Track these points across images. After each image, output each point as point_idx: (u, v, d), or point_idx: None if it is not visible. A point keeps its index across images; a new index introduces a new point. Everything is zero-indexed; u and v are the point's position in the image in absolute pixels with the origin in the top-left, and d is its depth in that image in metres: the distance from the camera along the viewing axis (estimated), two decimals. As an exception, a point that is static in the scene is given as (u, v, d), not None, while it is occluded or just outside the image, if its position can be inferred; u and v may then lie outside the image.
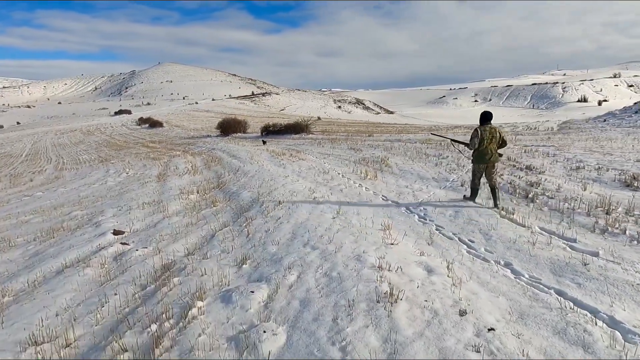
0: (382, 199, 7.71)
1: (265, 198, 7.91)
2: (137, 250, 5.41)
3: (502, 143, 6.57)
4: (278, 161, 15.85)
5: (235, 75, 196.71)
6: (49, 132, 61.37)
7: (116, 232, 6.64)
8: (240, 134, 36.44)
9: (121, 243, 5.88)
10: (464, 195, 7.29)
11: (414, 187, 8.68)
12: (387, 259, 4.18)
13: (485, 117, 6.51)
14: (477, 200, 6.86)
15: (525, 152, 11.86)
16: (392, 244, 4.77)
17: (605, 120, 25.94)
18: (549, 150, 11.44)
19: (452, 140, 8.13)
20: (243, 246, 5.19)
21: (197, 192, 10.33)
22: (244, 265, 4.48)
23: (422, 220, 6.09)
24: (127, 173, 17.60)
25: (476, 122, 7.13)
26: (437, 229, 5.58)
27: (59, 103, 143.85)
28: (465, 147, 6.91)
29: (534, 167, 9.26)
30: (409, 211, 6.66)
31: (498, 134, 6.47)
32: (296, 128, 32.17)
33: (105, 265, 5.05)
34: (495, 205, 6.46)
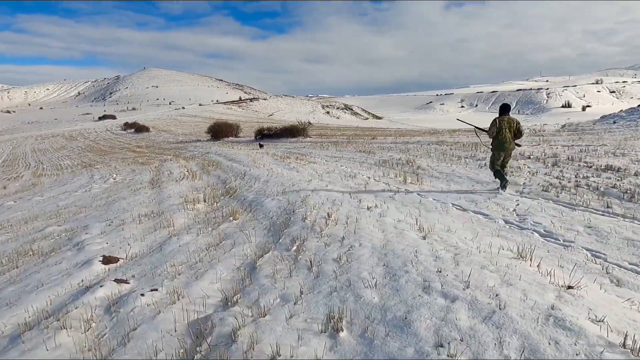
0: (457, 209, 5.86)
1: (302, 209, 5.97)
2: (142, 295, 3.41)
3: (518, 133, 6.84)
4: (286, 165, 13.92)
5: (222, 80, 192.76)
6: (29, 137, 58.02)
7: (107, 260, 4.62)
8: (232, 138, 34.39)
9: (116, 280, 3.86)
10: (496, 189, 7.10)
11: (483, 193, 6.86)
12: (614, 324, 2.33)
13: (504, 108, 6.94)
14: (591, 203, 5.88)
15: (581, 151, 10.20)
16: (570, 286, 2.91)
17: (615, 122, 24.80)
18: (612, 150, 9.79)
19: (475, 127, 8.00)
20: (314, 288, 3.25)
21: (205, 201, 8.33)
22: (340, 333, 2.56)
23: (552, 240, 4.27)
24: (114, 179, 15.40)
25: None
26: (594, 256, 3.76)
27: (41, 108, 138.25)
28: (486, 135, 7.15)
29: (619, 169, 7.55)
30: (515, 226, 4.83)
31: (515, 124, 6.80)
32: (292, 131, 30.36)
33: (93, 325, 3.05)
34: (502, 186, 6.83)
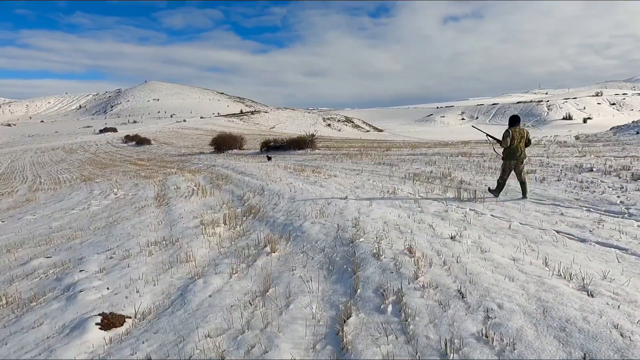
0: (569, 238, 4.41)
1: (362, 238, 4.54)
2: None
3: (527, 142, 7.02)
4: (305, 178, 12.53)
5: (223, 93, 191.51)
6: (29, 150, 56.66)
7: (107, 322, 3.15)
8: (236, 151, 33.09)
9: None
10: (489, 188, 7.53)
11: (580, 216, 5.43)
12: None
13: (515, 119, 7.03)
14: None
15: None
16: None
17: (638, 133, 23.70)
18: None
19: (487, 135, 8.20)
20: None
21: (225, 223, 6.90)
22: None
23: None
24: (115, 194, 13.94)
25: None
26: None
27: (42, 121, 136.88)
28: (498, 144, 7.26)
29: None
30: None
31: (525, 134, 6.98)
32: (299, 143, 29.04)
33: None
34: (524, 195, 6.91)
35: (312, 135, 29.97)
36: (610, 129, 28.43)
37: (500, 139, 7.07)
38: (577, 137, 24.85)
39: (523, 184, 6.99)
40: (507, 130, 6.91)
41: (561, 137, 27.53)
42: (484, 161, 13.62)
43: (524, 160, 7.02)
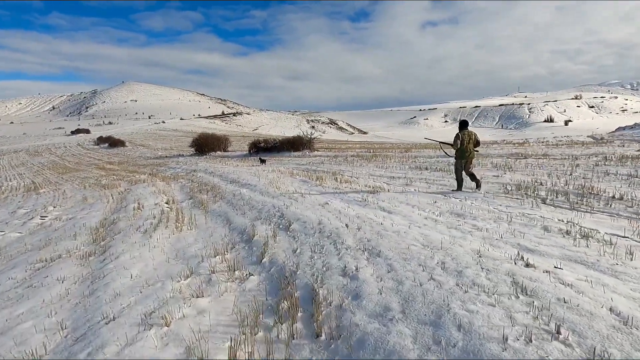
0: None
1: None
2: None
3: (477, 143, 7.60)
4: (337, 192, 7.92)
5: (204, 95, 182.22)
6: (-13, 153, 49.67)
7: None
8: (220, 153, 28.02)
9: None
10: (453, 190, 7.64)
11: None
12: None
13: (464, 124, 7.57)
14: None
15: None
16: None
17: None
18: None
19: (440, 142, 8.87)
20: None
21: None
22: None
23: None
24: (42, 218, 8.93)
25: (451, 139, 7.93)
26: None
27: (11, 123, 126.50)
28: (450, 147, 7.87)
29: None
30: None
31: (474, 136, 7.51)
32: (295, 144, 24.31)
33: None
34: (478, 186, 7.38)
35: (311, 135, 25.26)
36: (622, 128, 26.20)
37: (452, 142, 7.63)
38: (599, 139, 21.21)
39: (473, 176, 7.45)
40: (457, 134, 7.45)
41: (573, 137, 23.74)
42: (596, 164, 9.25)
43: (472, 160, 7.61)
